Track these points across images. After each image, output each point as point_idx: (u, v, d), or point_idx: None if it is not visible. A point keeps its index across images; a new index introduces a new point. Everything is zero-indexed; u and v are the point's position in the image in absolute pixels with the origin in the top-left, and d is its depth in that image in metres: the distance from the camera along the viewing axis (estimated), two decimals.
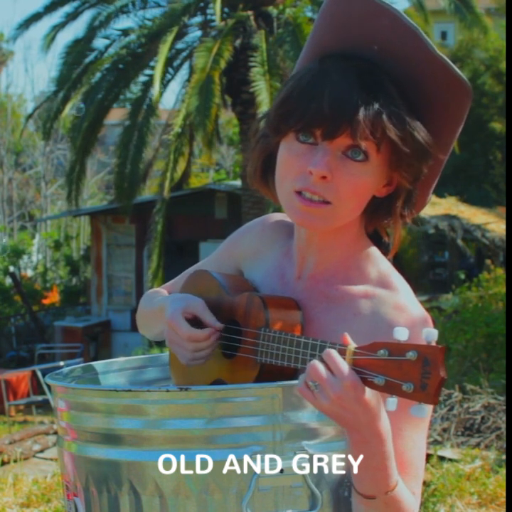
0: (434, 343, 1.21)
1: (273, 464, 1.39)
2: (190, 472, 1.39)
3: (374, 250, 1.56)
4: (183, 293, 1.67)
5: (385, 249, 1.59)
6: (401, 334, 1.23)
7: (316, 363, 1.27)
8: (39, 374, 12.33)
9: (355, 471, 1.34)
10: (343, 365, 1.26)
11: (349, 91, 1.40)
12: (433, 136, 1.49)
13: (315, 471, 1.41)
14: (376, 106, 1.40)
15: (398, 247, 1.58)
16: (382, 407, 1.29)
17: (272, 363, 1.44)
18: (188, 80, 13.92)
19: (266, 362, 1.46)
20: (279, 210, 1.59)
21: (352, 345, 1.27)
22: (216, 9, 13.04)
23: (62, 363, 12.65)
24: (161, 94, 14.20)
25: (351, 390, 1.26)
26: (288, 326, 1.47)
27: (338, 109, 1.39)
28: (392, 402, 1.22)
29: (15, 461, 7.83)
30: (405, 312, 1.46)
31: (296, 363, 1.39)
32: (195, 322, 1.55)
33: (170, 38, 13.23)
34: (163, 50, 13.00)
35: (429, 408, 1.22)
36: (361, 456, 1.32)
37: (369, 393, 1.27)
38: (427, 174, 1.51)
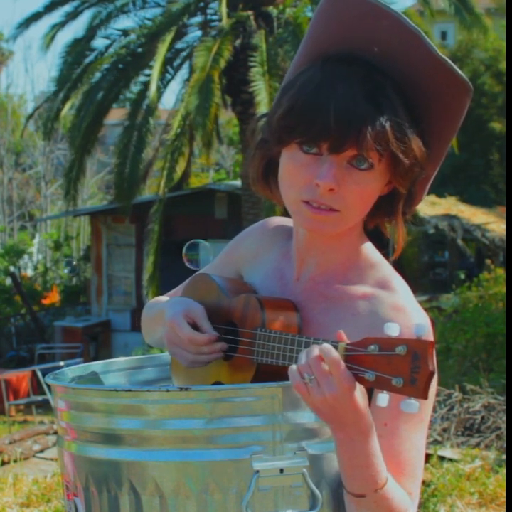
0: (425, 338, 1.21)
1: (273, 464, 1.39)
2: (190, 472, 1.40)
3: (373, 251, 1.57)
4: (184, 297, 1.68)
5: (385, 250, 1.60)
6: (392, 329, 1.23)
7: (316, 357, 1.28)
8: (39, 374, 12.33)
9: (342, 469, 1.35)
10: (344, 369, 1.26)
11: (354, 103, 1.40)
12: (433, 135, 1.50)
13: (315, 471, 1.41)
14: (381, 119, 1.40)
15: (402, 247, 1.58)
16: (367, 406, 1.29)
17: (268, 362, 1.45)
18: (188, 80, 13.92)
19: (262, 362, 1.46)
20: (278, 210, 1.60)
21: (344, 341, 1.28)
22: (222, 10, 13.03)
23: (62, 363, 12.65)
24: (160, 94, 14.20)
25: (347, 392, 1.26)
26: (284, 326, 1.48)
27: (344, 123, 1.39)
28: (383, 397, 1.22)
29: (15, 461, 7.83)
30: (403, 313, 1.46)
31: (290, 361, 1.40)
32: (194, 327, 1.56)
33: (169, 37, 13.23)
34: (162, 50, 13.00)
35: (420, 403, 1.21)
36: (347, 454, 1.32)
37: (358, 392, 1.27)
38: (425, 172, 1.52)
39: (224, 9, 13.00)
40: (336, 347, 1.28)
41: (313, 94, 1.42)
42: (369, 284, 1.51)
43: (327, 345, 1.28)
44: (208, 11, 14.46)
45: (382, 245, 1.60)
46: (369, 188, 1.45)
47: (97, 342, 18.06)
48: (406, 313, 1.46)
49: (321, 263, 1.55)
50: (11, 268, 24.01)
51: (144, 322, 1.80)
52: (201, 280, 1.68)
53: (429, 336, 1.42)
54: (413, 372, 1.20)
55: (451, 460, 6.32)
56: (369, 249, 1.56)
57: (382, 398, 1.22)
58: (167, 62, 14.04)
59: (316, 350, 1.28)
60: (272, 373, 1.44)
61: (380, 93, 1.42)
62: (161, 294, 1.90)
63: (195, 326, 1.56)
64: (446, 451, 6.58)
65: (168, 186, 13.74)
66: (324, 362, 1.27)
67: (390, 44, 1.45)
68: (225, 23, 13.17)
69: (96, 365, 1.83)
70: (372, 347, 1.24)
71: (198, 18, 14.77)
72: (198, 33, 14.80)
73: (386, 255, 1.59)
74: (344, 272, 1.54)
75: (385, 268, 1.54)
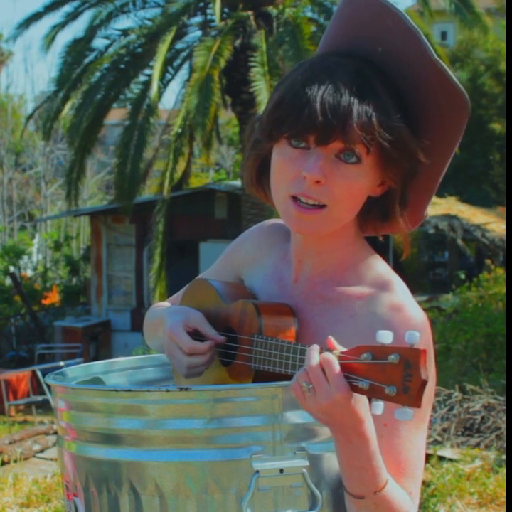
0: (418, 345, 1.21)
1: (273, 464, 1.39)
2: (190, 472, 1.40)
3: (371, 251, 1.56)
4: (183, 303, 1.68)
5: (386, 254, 1.59)
6: (385, 337, 1.23)
7: (315, 366, 1.28)
8: (39, 374, 12.35)
9: (342, 470, 1.35)
10: (340, 376, 1.26)
11: (341, 95, 1.40)
12: (428, 142, 1.49)
13: (315, 471, 1.41)
14: (367, 111, 1.41)
15: (409, 248, 1.57)
16: (367, 409, 1.29)
17: (265, 369, 1.45)
18: (188, 80, 13.92)
19: (259, 368, 1.46)
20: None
21: (337, 349, 1.28)
22: (215, 10, 13.05)
23: (62, 363, 12.66)
24: (160, 94, 14.20)
25: (342, 400, 1.27)
26: (282, 331, 1.48)
27: (330, 116, 1.39)
28: (378, 405, 1.22)
29: (15, 461, 7.83)
30: (402, 312, 1.46)
31: (286, 368, 1.40)
32: (195, 335, 1.57)
33: (169, 37, 13.24)
34: (162, 50, 13.01)
35: (414, 411, 1.21)
36: (347, 456, 1.33)
37: (356, 398, 1.27)
38: (424, 184, 1.52)
39: (218, 9, 13.00)
40: None
41: (301, 88, 1.43)
42: (366, 284, 1.51)
43: (326, 354, 1.28)
44: (208, 11, 14.46)
45: (381, 249, 1.60)
46: (357, 183, 1.44)
47: (97, 342, 18.06)
48: (404, 313, 1.46)
49: (318, 264, 1.55)
50: (11, 268, 24.00)
51: (146, 328, 1.80)
52: (200, 285, 1.68)
53: (424, 341, 1.41)
54: (406, 380, 1.20)
55: (451, 460, 6.32)
56: (366, 249, 1.56)
57: (377, 406, 1.22)
58: (167, 62, 14.04)
59: (314, 359, 1.29)
60: (270, 379, 1.44)
61: (369, 87, 1.43)
62: (168, 294, 1.90)
63: (196, 334, 1.57)
64: (446, 451, 6.58)
65: (171, 185, 13.75)
66: (322, 370, 1.27)
67: (392, 44, 1.46)
68: (219, 23, 13.18)
69: (96, 365, 1.83)
70: (365, 355, 1.24)
71: (197, 18, 14.79)
72: (198, 33, 14.81)
73: (386, 260, 1.58)
74: (341, 273, 1.54)
75: (382, 268, 1.54)
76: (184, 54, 14.95)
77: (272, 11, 13.71)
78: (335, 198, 1.44)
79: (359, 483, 1.34)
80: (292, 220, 1.47)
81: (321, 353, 1.29)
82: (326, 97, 1.40)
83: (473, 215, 18.34)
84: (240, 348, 1.52)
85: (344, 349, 1.28)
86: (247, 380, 1.49)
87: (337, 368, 1.26)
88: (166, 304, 1.80)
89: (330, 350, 1.29)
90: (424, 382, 1.19)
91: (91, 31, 14.72)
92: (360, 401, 1.28)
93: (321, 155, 1.42)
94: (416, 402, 1.19)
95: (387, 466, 1.37)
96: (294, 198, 1.45)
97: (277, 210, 1.51)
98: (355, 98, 1.40)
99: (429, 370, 1.44)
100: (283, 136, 1.45)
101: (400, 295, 1.49)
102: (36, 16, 15.01)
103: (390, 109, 1.43)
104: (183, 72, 15.32)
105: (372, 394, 1.23)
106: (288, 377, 1.39)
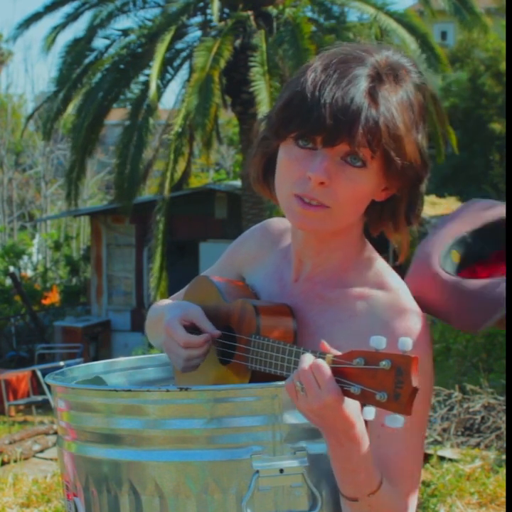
0: (411, 352, 1.21)
1: (273, 463, 1.39)
2: (190, 472, 1.40)
3: (372, 253, 1.56)
4: (185, 300, 1.68)
5: (386, 254, 1.59)
6: (378, 343, 1.23)
7: (307, 370, 1.28)
8: (39, 374, 12.36)
9: (335, 473, 1.36)
10: (331, 381, 1.26)
11: (352, 99, 1.40)
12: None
13: (315, 471, 1.41)
14: (375, 115, 1.40)
15: (406, 252, 1.57)
16: (359, 413, 1.29)
17: (261, 369, 1.45)
18: (188, 80, 13.92)
19: (255, 369, 1.47)
20: (277, 210, 1.60)
21: (331, 353, 1.28)
22: (214, 10, 13.05)
23: (62, 363, 12.67)
24: (160, 94, 14.20)
25: (333, 403, 1.27)
26: (280, 333, 1.48)
27: (339, 117, 1.39)
28: (370, 410, 1.22)
29: (15, 461, 7.83)
30: (401, 313, 1.46)
31: (281, 370, 1.40)
32: (193, 330, 1.57)
33: (168, 37, 13.24)
34: (161, 49, 13.02)
35: (405, 418, 1.21)
36: (339, 459, 1.33)
37: (347, 402, 1.28)
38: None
39: (216, 9, 13.00)
40: (323, 358, 1.28)
41: (313, 88, 1.42)
42: (367, 284, 1.51)
43: (319, 359, 1.28)
44: (208, 11, 14.45)
45: (383, 249, 1.59)
46: (361, 186, 1.44)
47: (97, 342, 18.06)
48: (403, 314, 1.46)
49: (318, 264, 1.55)
50: (11, 268, 24.01)
51: (148, 326, 1.80)
52: (202, 283, 1.68)
53: (421, 345, 1.42)
54: (397, 387, 1.20)
55: (451, 460, 6.32)
56: (368, 250, 1.56)
57: (369, 411, 1.22)
58: (167, 62, 14.04)
59: (307, 362, 1.29)
60: (267, 380, 1.44)
61: (381, 93, 1.42)
62: (168, 294, 1.90)
63: (194, 329, 1.57)
64: (446, 451, 6.58)
65: (171, 185, 13.75)
66: (314, 374, 1.27)
67: None
68: (218, 23, 13.18)
69: (96, 366, 1.83)
70: (357, 360, 1.24)
71: (197, 18, 14.79)
72: (198, 33, 14.82)
73: (386, 259, 1.58)
74: (341, 273, 1.53)
75: (383, 269, 1.53)
76: (184, 54, 14.95)
77: (272, 10, 13.71)
78: (338, 200, 1.44)
79: (352, 485, 1.34)
80: (295, 216, 1.47)
81: (315, 356, 1.29)
82: (337, 99, 1.40)
83: None
84: (238, 347, 1.52)
85: (338, 353, 1.28)
86: (244, 380, 1.49)
87: (328, 373, 1.26)
88: (167, 301, 1.80)
89: (323, 353, 1.29)
90: (415, 390, 1.19)
91: (91, 31, 14.72)
92: (352, 405, 1.28)
93: (327, 156, 1.42)
94: (406, 409, 1.19)
95: (384, 467, 1.37)
96: (298, 196, 1.45)
97: (281, 207, 1.51)
98: (365, 103, 1.40)
99: (427, 371, 1.44)
100: (290, 135, 1.45)
101: (400, 295, 1.49)
102: (36, 16, 15.01)
103: (399, 119, 1.42)
104: (183, 72, 15.32)
105: (364, 399, 1.23)
106: (283, 379, 1.40)
